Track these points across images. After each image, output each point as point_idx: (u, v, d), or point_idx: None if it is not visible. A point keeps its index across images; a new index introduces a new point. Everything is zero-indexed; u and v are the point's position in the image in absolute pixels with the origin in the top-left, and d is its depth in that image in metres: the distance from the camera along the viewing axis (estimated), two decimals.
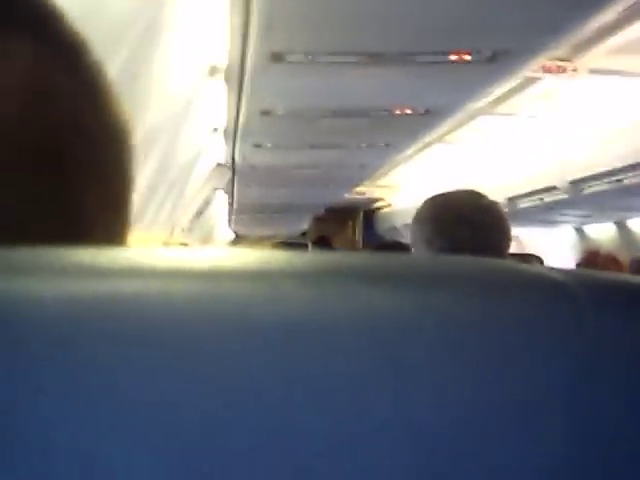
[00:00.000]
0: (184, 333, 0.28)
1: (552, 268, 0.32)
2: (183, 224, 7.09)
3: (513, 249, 2.07)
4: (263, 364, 0.28)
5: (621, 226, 6.67)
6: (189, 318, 0.28)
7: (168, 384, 0.27)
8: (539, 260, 4.19)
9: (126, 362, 0.27)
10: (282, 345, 0.28)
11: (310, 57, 3.21)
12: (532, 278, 0.31)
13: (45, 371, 0.27)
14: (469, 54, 3.17)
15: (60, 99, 0.43)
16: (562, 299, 0.30)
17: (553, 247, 7.81)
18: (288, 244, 11.39)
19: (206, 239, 10.21)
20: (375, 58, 3.23)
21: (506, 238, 1.96)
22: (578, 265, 3.77)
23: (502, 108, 5.01)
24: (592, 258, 3.68)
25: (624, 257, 4.06)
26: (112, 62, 2.48)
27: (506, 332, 0.29)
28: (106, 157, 0.46)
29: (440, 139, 6.02)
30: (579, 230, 7.39)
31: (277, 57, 3.19)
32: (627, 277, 0.33)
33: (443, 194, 2.04)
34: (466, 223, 1.90)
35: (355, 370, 0.28)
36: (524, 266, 0.32)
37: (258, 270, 0.30)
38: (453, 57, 3.20)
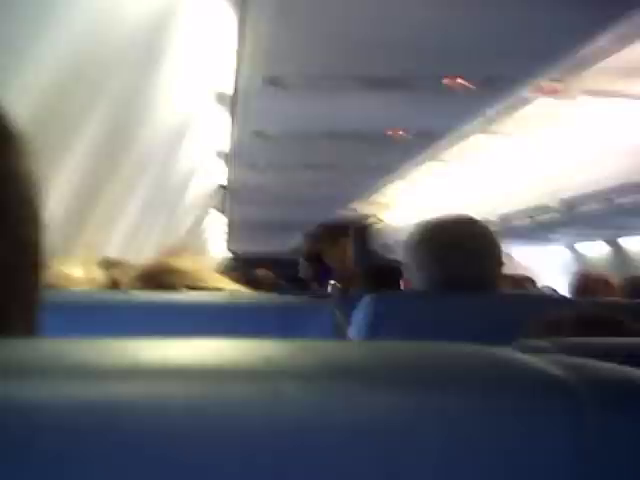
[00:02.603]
0: (175, 434, 0.28)
1: (552, 361, 0.32)
2: (177, 240, 7.08)
3: (505, 268, 2.07)
4: (264, 465, 0.28)
5: (613, 244, 6.68)
6: (189, 421, 0.28)
7: None
8: (532, 281, 4.19)
9: (122, 471, 0.27)
10: (283, 446, 0.28)
11: (304, 81, 3.23)
12: (532, 374, 0.31)
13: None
14: (462, 79, 3.19)
15: None
16: (562, 396, 0.30)
17: (546, 265, 7.82)
18: (280, 261, 11.36)
19: (200, 255, 10.19)
20: (369, 82, 3.25)
21: (498, 263, 1.97)
22: (570, 288, 3.78)
23: (496, 127, 5.03)
24: (584, 281, 3.68)
25: (616, 275, 4.07)
26: (115, 81, 2.50)
27: (505, 431, 0.29)
28: (11, 200, 0.46)
29: (433, 157, 6.03)
30: (572, 248, 7.40)
31: (271, 80, 3.21)
32: (627, 371, 0.33)
33: (436, 220, 2.03)
34: (459, 249, 1.90)
35: (356, 472, 0.29)
36: (525, 360, 0.32)
37: (259, 369, 0.30)
38: (447, 81, 3.21)
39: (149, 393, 0.28)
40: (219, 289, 1.09)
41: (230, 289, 1.11)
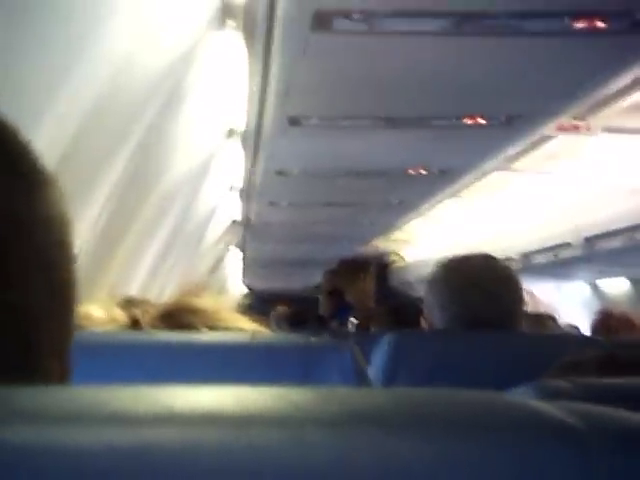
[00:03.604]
0: None
1: (563, 408, 0.33)
2: (198, 279, 7.11)
3: (527, 304, 2.07)
4: None
5: (635, 282, 6.65)
6: (215, 466, 0.29)
7: None
8: (552, 319, 4.17)
9: None
10: None
11: (325, 121, 3.25)
12: (545, 423, 0.32)
13: None
14: (483, 118, 3.20)
15: None
16: (571, 444, 0.31)
17: (567, 302, 7.78)
18: (301, 299, 11.36)
19: (220, 292, 10.20)
20: (389, 122, 3.27)
21: (519, 302, 1.96)
22: (592, 327, 3.75)
23: (517, 165, 5.04)
24: (606, 320, 3.66)
25: (638, 313, 4.04)
26: (138, 124, 2.52)
27: (516, 478, 0.30)
28: (45, 244, 0.46)
29: (454, 194, 6.03)
30: (593, 285, 7.36)
31: (293, 121, 3.23)
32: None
33: (457, 258, 2.03)
34: (479, 289, 1.90)
35: None
36: (538, 407, 0.33)
37: (287, 416, 0.31)
38: (467, 121, 3.23)
39: (181, 439, 0.29)
40: (239, 329, 1.10)
41: (250, 328, 1.12)
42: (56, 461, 0.29)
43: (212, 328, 1.07)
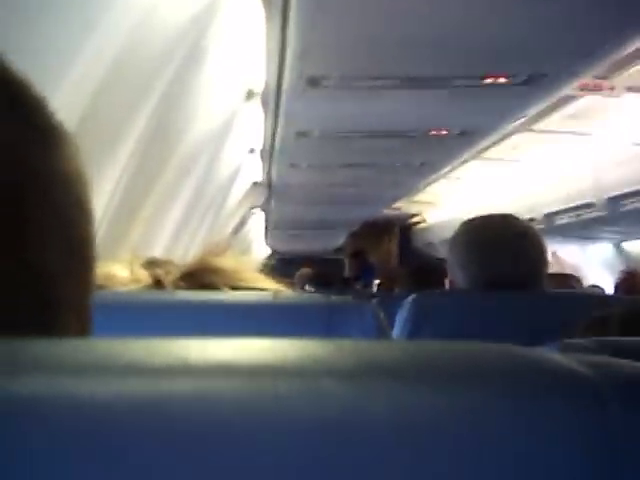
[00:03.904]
0: (225, 432, 0.29)
1: (579, 359, 0.33)
2: (221, 240, 7.13)
3: (551, 265, 2.07)
4: (302, 460, 0.29)
5: None
6: (230, 417, 0.29)
7: None
8: (577, 280, 4.16)
9: (163, 461, 0.29)
10: (321, 442, 0.29)
11: (345, 81, 3.24)
12: (557, 373, 0.32)
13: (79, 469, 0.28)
14: (505, 77, 3.17)
15: (10, 150, 0.42)
16: (586, 395, 0.31)
17: (592, 263, 7.75)
18: (324, 260, 11.40)
19: (243, 255, 10.25)
20: (410, 82, 3.25)
21: (541, 261, 1.95)
22: (616, 287, 3.74)
23: (539, 125, 5.01)
24: (629, 279, 3.65)
25: None
26: (159, 81, 2.52)
27: (530, 430, 0.30)
28: (64, 202, 0.46)
29: (477, 156, 6.01)
30: (617, 246, 7.33)
31: (313, 81, 3.22)
32: None
33: (478, 218, 2.03)
34: (500, 249, 1.89)
35: (393, 468, 0.30)
36: (551, 358, 0.33)
37: (299, 366, 0.31)
38: (489, 80, 3.20)
39: (195, 390, 0.30)
40: (261, 289, 1.10)
41: (272, 288, 1.12)
42: (68, 412, 0.29)
43: (234, 288, 1.08)
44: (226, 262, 1.10)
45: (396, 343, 0.34)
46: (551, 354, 0.33)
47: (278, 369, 0.31)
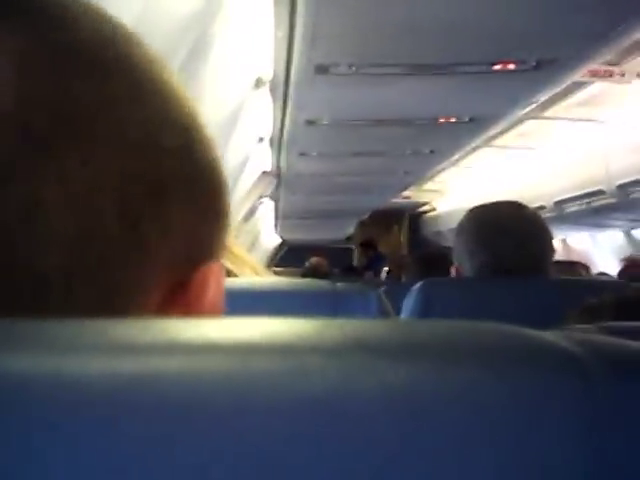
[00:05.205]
0: (211, 409, 0.29)
1: (565, 335, 0.33)
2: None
3: (560, 253, 2.07)
4: (290, 439, 0.29)
5: None
6: (216, 394, 0.30)
7: (194, 460, 0.29)
8: (585, 268, 4.16)
9: (154, 437, 0.29)
10: (308, 420, 0.30)
11: (354, 69, 3.23)
12: (542, 348, 0.32)
13: (82, 449, 0.29)
14: (514, 64, 3.16)
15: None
16: (571, 370, 0.31)
17: (602, 251, 7.73)
18: (333, 250, 11.39)
19: (253, 243, 10.25)
20: (419, 69, 3.24)
21: (548, 248, 1.95)
22: (619, 273, 3.73)
23: (549, 112, 4.99)
24: (632, 267, 3.64)
25: None
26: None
27: (516, 406, 0.30)
28: (200, 170, 0.47)
29: (486, 143, 6.00)
30: (628, 234, 7.31)
31: (321, 69, 3.21)
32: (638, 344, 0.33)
33: (485, 205, 2.03)
34: (508, 235, 1.89)
35: (379, 446, 0.30)
36: (536, 335, 0.33)
37: (285, 343, 0.32)
38: (497, 67, 3.19)
39: (185, 368, 0.30)
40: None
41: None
42: (57, 390, 0.29)
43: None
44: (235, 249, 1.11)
45: (384, 322, 0.34)
46: (542, 333, 0.33)
47: (264, 347, 0.31)
